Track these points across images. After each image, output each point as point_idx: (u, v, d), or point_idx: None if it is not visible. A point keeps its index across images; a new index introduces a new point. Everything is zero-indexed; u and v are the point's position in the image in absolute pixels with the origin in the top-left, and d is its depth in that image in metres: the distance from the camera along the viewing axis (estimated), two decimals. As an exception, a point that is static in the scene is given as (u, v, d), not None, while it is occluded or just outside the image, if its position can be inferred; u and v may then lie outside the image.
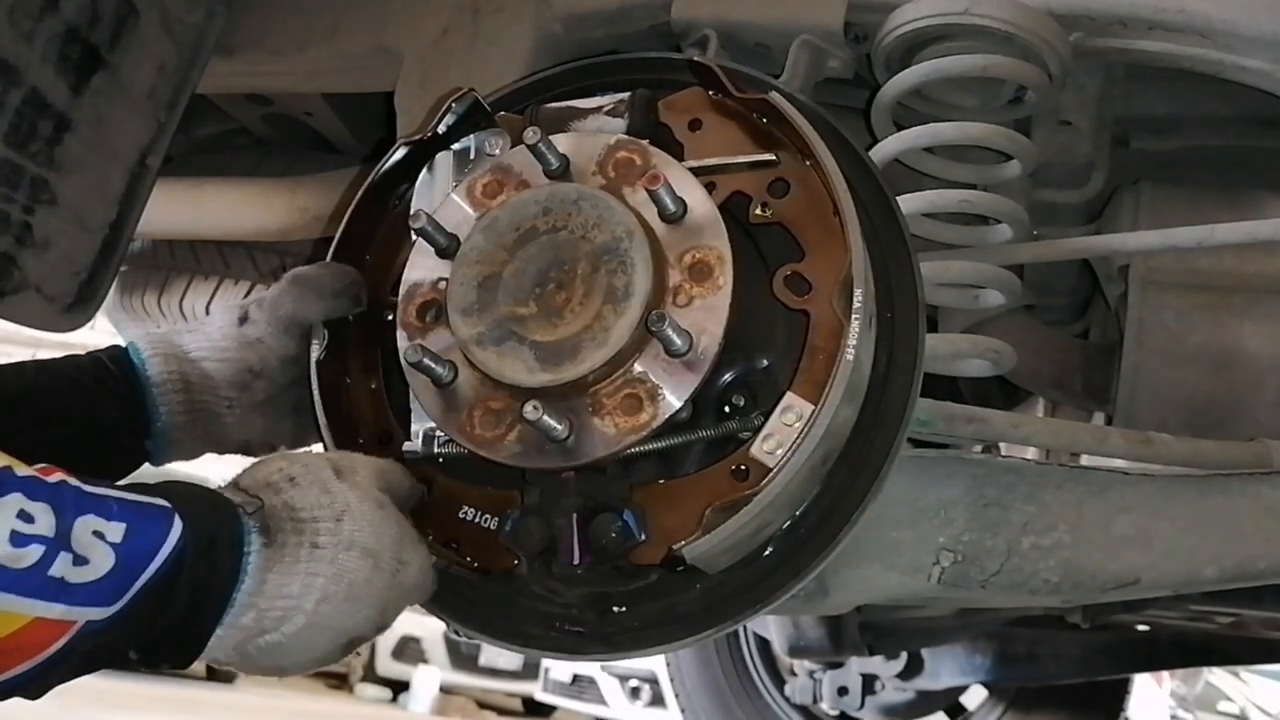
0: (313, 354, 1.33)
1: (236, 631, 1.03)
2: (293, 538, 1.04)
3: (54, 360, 1.30)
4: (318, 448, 1.33)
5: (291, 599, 1.03)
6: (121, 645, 0.98)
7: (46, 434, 1.23)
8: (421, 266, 1.29)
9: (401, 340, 1.27)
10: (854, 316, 1.11)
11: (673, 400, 1.14)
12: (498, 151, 1.33)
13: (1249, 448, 1.58)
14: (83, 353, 1.33)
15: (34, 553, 0.89)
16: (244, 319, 1.35)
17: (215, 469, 1.30)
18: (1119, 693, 4.17)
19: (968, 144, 1.64)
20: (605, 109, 1.33)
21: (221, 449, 1.39)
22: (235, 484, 1.09)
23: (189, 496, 1.02)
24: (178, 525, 0.97)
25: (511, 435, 1.19)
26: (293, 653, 1.06)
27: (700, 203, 1.21)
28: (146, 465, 1.35)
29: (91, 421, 1.28)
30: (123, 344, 1.34)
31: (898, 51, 1.56)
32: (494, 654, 12.32)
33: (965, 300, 1.83)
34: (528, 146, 1.25)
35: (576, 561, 1.18)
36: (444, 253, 1.27)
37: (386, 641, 12.54)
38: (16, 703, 0.95)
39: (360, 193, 1.35)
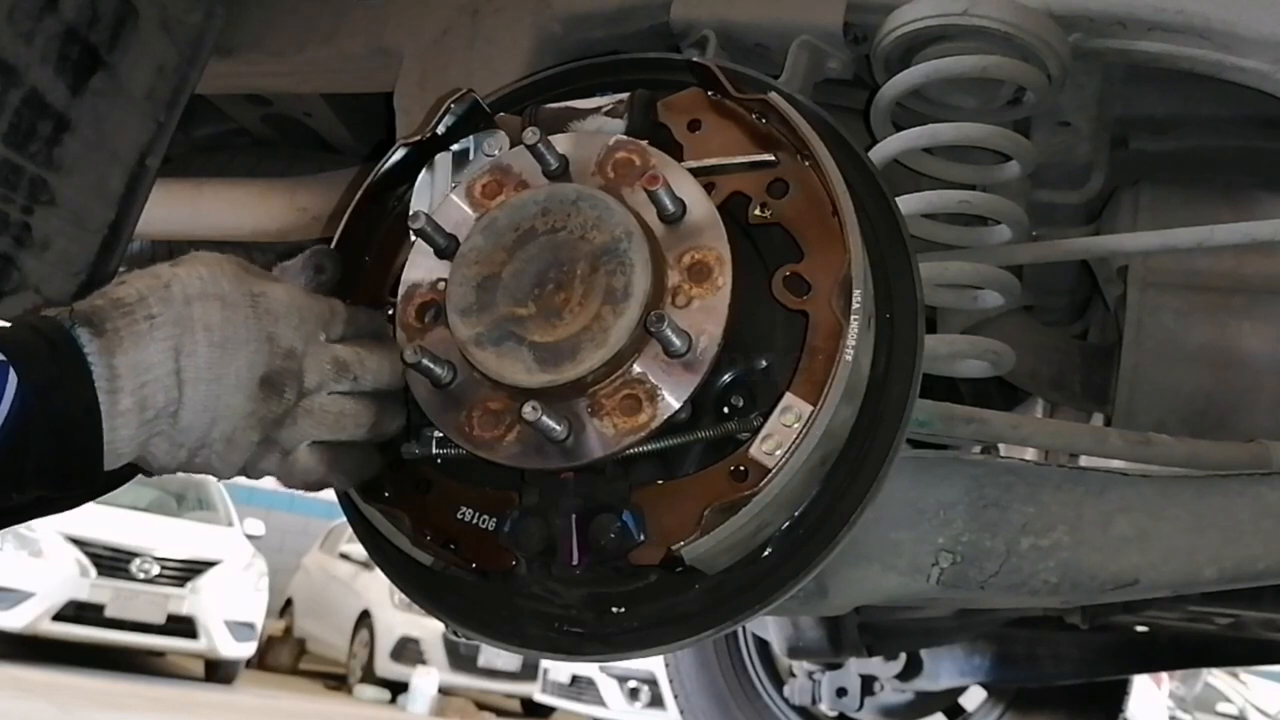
0: None
1: (128, 422, 1.03)
2: (123, 321, 1.05)
3: None
4: None
5: (156, 366, 1.04)
6: None
7: None
8: (420, 267, 1.29)
9: (400, 341, 1.27)
10: (853, 317, 1.11)
11: (671, 401, 1.14)
12: (497, 152, 1.33)
13: (1248, 448, 1.58)
14: None
15: None
16: None
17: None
18: (1118, 694, 4.16)
19: (966, 145, 1.64)
20: (604, 109, 1.32)
21: None
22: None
23: (14, 337, 1.01)
24: (12, 379, 0.98)
25: (510, 436, 1.19)
26: (208, 417, 1.07)
27: (699, 203, 1.21)
28: None
29: None
30: None
31: (897, 52, 1.56)
32: (492, 655, 12.32)
33: (964, 301, 1.83)
34: (527, 147, 1.25)
35: (575, 562, 1.17)
36: (443, 253, 1.26)
37: (385, 643, 12.55)
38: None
39: (359, 194, 1.35)
